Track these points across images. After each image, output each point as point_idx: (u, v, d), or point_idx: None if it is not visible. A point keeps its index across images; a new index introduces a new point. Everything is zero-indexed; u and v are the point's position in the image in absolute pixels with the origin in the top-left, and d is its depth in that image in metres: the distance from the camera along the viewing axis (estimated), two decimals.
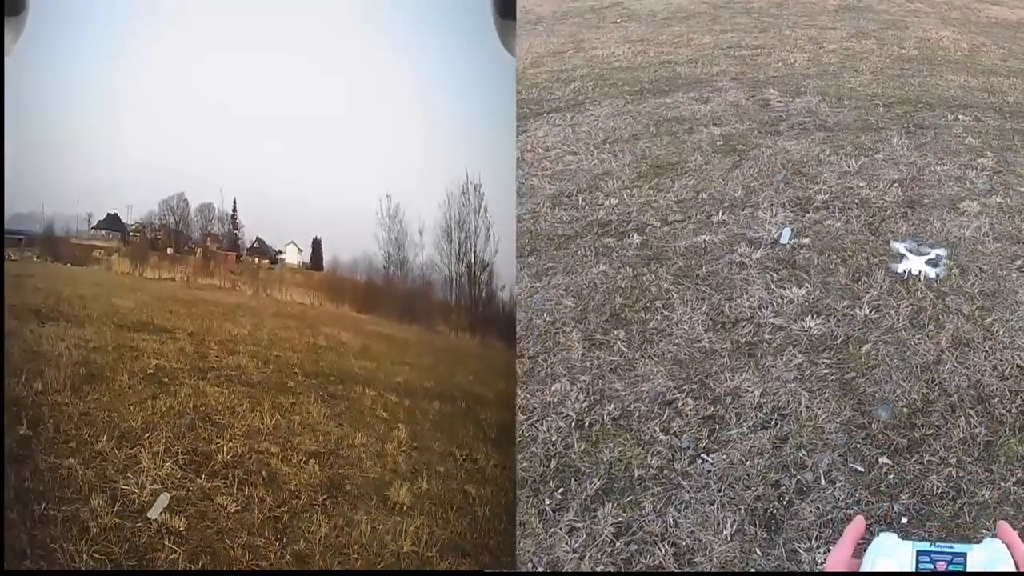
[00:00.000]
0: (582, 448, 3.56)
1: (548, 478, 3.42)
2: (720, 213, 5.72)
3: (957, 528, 3.18)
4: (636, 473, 3.42)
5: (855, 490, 3.31)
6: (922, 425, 3.64)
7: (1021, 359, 4.06)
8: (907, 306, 4.54)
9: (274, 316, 4.96)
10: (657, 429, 3.65)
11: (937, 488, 3.32)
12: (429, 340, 4.91)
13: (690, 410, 3.76)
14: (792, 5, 12.55)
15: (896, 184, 6.08)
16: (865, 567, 1.12)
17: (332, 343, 4.64)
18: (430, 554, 3.05)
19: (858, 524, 1.25)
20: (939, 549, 1.12)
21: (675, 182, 6.32)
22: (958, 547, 1.13)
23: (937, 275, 4.81)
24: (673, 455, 3.51)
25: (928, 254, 5.18)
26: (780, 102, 8.25)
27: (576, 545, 3.16)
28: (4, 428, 3.37)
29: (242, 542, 2.85)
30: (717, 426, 3.68)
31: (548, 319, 4.45)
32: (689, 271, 5.00)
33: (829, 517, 3.20)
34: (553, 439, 3.60)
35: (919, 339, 4.24)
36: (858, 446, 3.53)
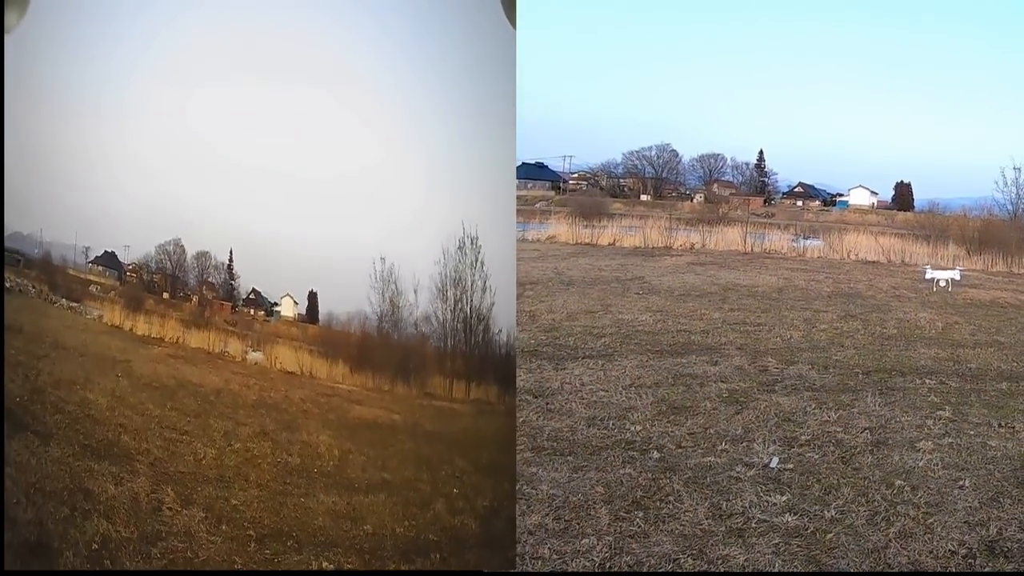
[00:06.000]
0: None
1: None
2: (723, 444, 7.13)
3: None
4: None
5: None
6: None
7: (954, 547, 5.21)
8: (866, 512, 5.76)
9: (252, 411, 4.73)
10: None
11: None
12: (418, 417, 4.86)
13: (689, 566, 4.93)
14: (791, 290, 14.73)
15: (867, 430, 7.53)
16: None
17: (305, 460, 4.44)
18: None
19: None
20: None
21: (688, 420, 7.80)
22: None
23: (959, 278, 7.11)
24: None
25: (952, 270, 8.13)
26: (776, 368, 9.96)
27: None
28: (4, 429, 3.46)
29: None
30: None
31: (582, 498, 5.75)
32: (697, 479, 6.31)
33: None
34: (579, 571, 4.78)
35: (872, 532, 5.43)
36: None
